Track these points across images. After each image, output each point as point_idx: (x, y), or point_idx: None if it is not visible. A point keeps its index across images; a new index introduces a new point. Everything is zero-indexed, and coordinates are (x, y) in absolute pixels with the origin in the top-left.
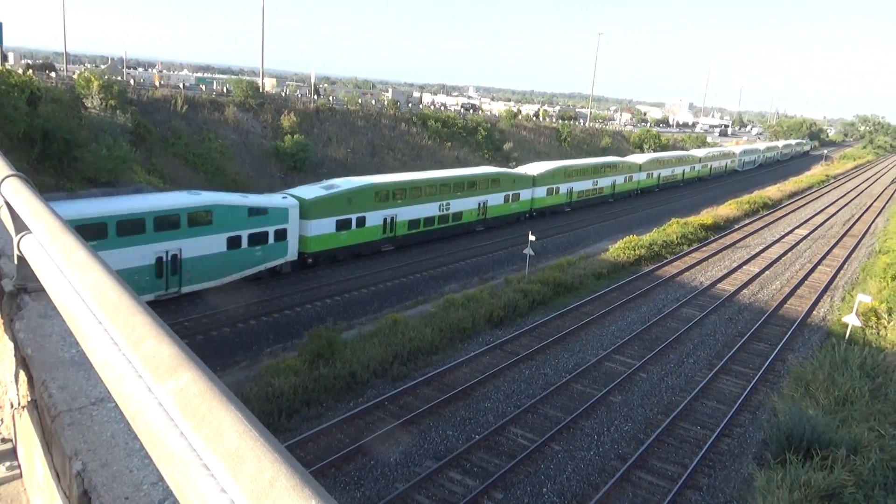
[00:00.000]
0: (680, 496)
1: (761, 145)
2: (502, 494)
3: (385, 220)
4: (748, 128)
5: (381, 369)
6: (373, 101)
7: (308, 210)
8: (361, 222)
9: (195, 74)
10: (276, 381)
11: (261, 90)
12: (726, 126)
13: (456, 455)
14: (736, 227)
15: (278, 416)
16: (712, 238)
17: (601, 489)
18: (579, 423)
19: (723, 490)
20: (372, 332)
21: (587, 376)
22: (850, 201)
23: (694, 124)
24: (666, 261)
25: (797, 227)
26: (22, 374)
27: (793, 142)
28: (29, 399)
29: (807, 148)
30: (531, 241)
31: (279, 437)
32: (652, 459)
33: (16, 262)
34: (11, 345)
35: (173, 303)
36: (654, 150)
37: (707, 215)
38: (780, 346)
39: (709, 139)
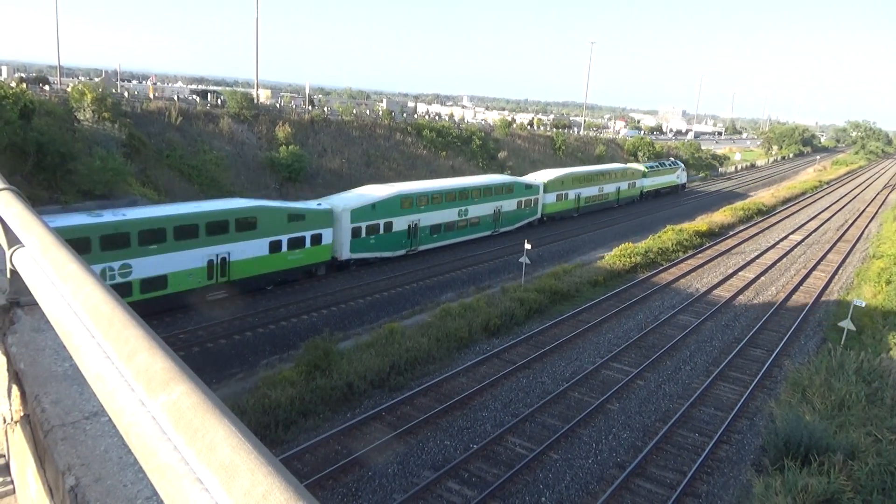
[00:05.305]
0: None
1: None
2: None
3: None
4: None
5: (378, 379)
6: (367, 112)
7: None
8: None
9: (190, 86)
10: (272, 392)
11: (255, 101)
12: (753, 140)
13: (454, 465)
14: (731, 233)
15: (275, 428)
16: (707, 245)
17: (600, 497)
18: (577, 431)
19: (721, 497)
20: (368, 343)
21: (584, 384)
22: (843, 206)
23: (687, 132)
24: (662, 268)
25: (791, 232)
26: (14, 388)
27: (628, 165)
28: (22, 414)
29: (676, 180)
30: (527, 250)
31: (276, 449)
32: (650, 467)
33: (8, 275)
34: (4, 359)
35: (168, 315)
36: (649, 158)
37: (702, 222)
38: (776, 352)
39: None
